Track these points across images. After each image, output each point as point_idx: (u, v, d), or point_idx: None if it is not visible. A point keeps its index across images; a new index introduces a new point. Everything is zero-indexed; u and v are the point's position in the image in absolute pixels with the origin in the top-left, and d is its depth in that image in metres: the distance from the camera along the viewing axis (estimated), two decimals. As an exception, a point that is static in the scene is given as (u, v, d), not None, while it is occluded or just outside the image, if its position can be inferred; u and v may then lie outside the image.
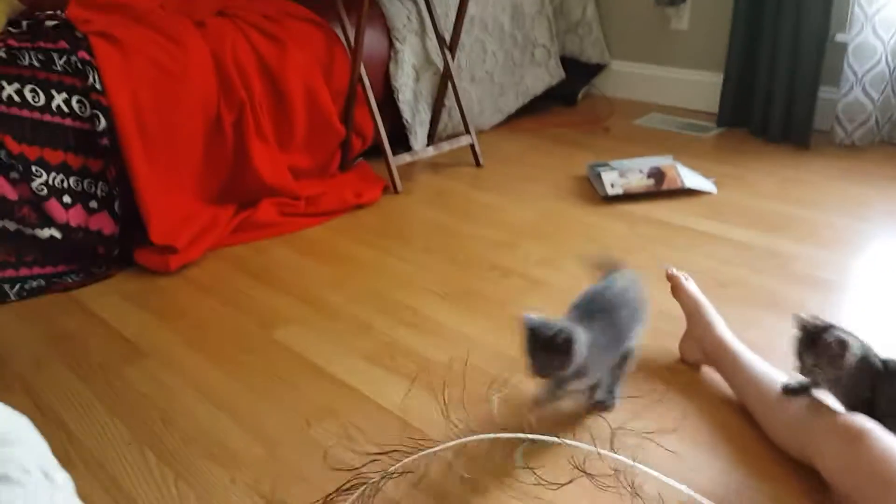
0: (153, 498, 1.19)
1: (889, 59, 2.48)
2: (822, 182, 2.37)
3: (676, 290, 1.49)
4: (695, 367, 1.46)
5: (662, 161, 2.39)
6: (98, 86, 1.88)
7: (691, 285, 1.49)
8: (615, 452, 1.21)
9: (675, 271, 1.50)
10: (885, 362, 1.12)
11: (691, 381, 1.42)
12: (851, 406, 1.11)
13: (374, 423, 1.34)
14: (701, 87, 3.12)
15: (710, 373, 1.43)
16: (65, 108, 1.86)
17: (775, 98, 2.69)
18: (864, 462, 1.01)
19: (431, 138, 2.79)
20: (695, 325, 1.42)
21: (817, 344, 1.10)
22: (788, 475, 1.16)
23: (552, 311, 1.69)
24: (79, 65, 1.88)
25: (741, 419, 1.30)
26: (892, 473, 0.97)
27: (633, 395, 1.38)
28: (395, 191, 2.42)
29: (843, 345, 1.08)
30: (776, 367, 1.30)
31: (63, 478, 0.55)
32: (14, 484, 0.48)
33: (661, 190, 2.29)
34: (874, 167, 2.46)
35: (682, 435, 1.27)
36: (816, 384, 1.16)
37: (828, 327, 1.11)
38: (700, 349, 1.41)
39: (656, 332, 1.59)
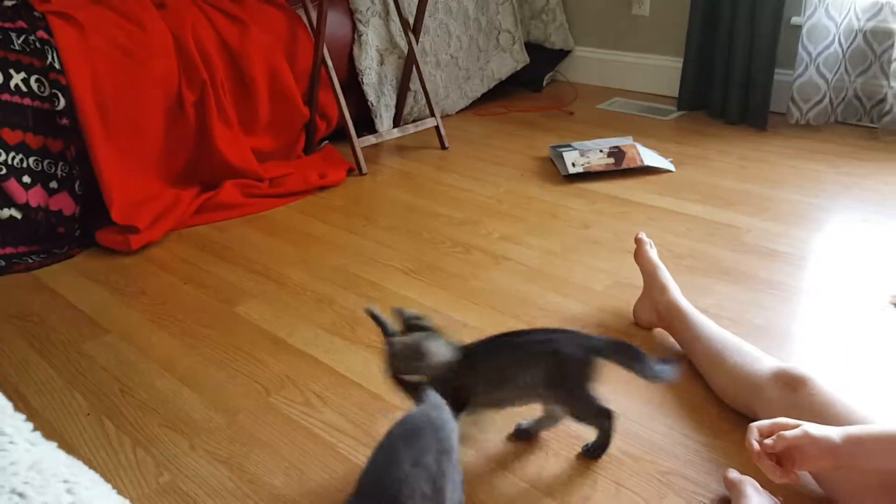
0: (111, 464, 1.20)
1: (842, 39, 2.54)
2: (777, 160, 2.42)
3: (639, 253, 1.54)
4: (647, 329, 1.49)
5: (622, 141, 2.43)
6: (57, 65, 1.88)
7: (653, 251, 1.53)
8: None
9: (643, 237, 1.56)
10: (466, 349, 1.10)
11: (643, 342, 1.46)
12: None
13: (334, 391, 1.36)
14: (662, 71, 3.17)
15: (661, 335, 1.47)
16: (23, 88, 1.85)
17: (733, 81, 2.74)
18: (805, 407, 1.05)
19: (397, 122, 2.80)
20: (651, 288, 1.47)
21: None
22: (734, 429, 1.20)
23: (516, 284, 1.73)
24: (37, 44, 1.87)
25: (690, 378, 1.34)
26: (832, 417, 1.02)
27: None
28: (360, 172, 2.43)
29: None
30: (729, 330, 1.34)
31: (40, 439, 0.55)
32: None
33: (620, 168, 2.33)
34: (828, 145, 2.52)
35: (631, 394, 1.31)
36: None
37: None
38: (654, 311, 1.45)
39: (612, 298, 1.63)
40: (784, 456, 0.91)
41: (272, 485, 1.14)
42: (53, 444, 0.53)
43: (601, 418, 1.13)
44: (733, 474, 1.06)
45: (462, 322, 1.57)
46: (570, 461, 1.16)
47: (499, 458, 1.18)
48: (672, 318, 1.39)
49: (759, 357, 1.21)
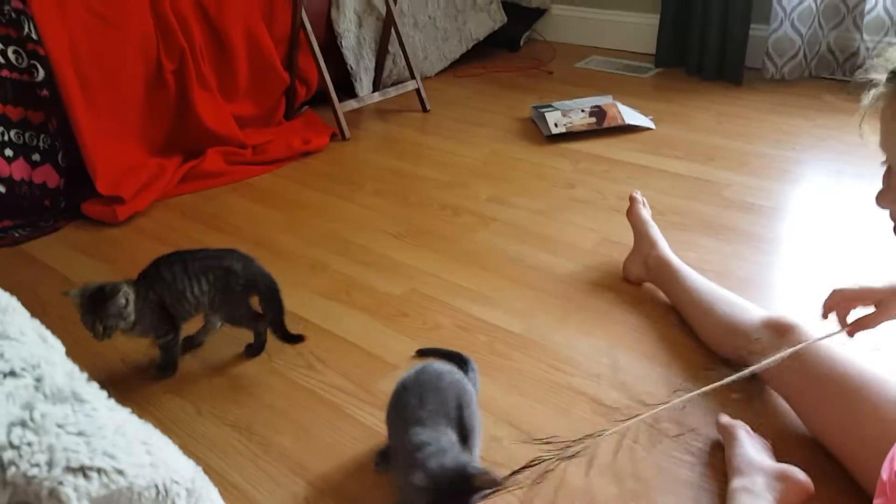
0: (121, 431, 1.22)
1: (815, -5, 2.58)
2: (754, 115, 2.47)
3: (631, 211, 1.58)
4: (637, 284, 1.54)
5: (603, 100, 2.45)
6: (34, 35, 1.84)
7: (646, 210, 1.58)
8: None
9: (638, 195, 1.60)
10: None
11: (633, 298, 1.51)
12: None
13: (335, 354, 1.39)
14: (639, 28, 3.18)
15: (651, 290, 1.52)
16: (1, 60, 1.82)
17: (709, 37, 2.77)
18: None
19: (377, 85, 2.80)
20: (641, 244, 1.52)
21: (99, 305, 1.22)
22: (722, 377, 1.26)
23: (506, 245, 1.76)
24: (13, 14, 1.83)
25: (679, 330, 1.39)
26: (818, 361, 1.07)
27: (582, 312, 1.46)
28: (343, 137, 2.43)
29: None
30: (714, 282, 1.39)
31: (55, 340, 0.59)
32: (14, 341, 0.52)
33: (602, 127, 2.36)
34: (803, 99, 2.57)
35: (624, 346, 1.36)
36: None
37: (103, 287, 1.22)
38: (644, 266, 1.50)
39: (600, 256, 1.67)
40: None
41: (281, 445, 1.18)
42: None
43: (255, 322, 1.36)
44: (725, 419, 1.11)
45: (456, 284, 1.60)
46: (566, 412, 1.21)
47: (490, 404, 1.22)
48: (661, 272, 1.44)
49: (746, 307, 1.26)
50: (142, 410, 1.25)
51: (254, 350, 1.39)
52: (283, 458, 1.15)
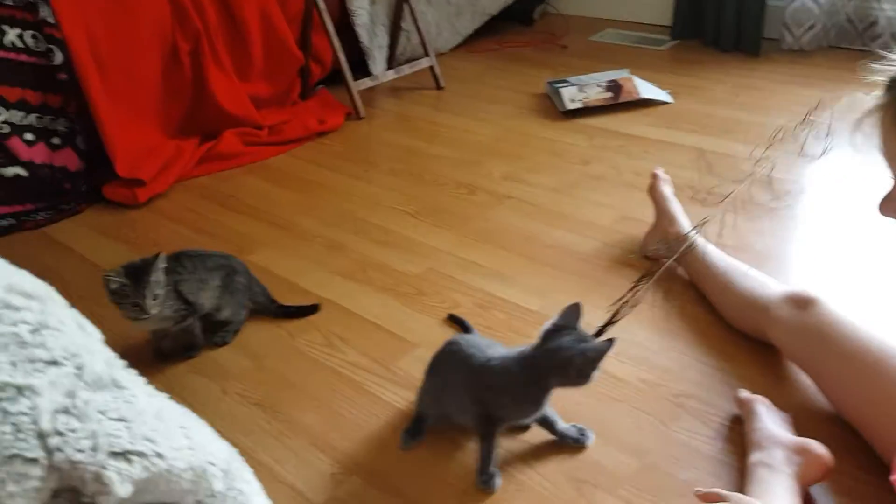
0: (149, 411, 1.25)
1: (835, -37, 2.53)
2: (772, 87, 2.44)
3: (653, 187, 1.58)
4: (656, 260, 1.54)
5: (619, 74, 2.44)
6: (50, 19, 1.85)
7: (668, 187, 1.58)
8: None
9: (660, 172, 1.60)
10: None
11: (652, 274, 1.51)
12: None
13: (355, 332, 1.41)
14: (654, 0, 3.14)
15: (670, 266, 1.52)
16: (18, 44, 1.83)
17: (726, 8, 2.73)
18: (813, 325, 1.11)
19: (390, 63, 2.79)
20: (662, 220, 1.52)
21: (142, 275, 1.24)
22: (742, 352, 1.27)
23: (522, 223, 1.77)
24: (28, -2, 1.84)
25: (698, 306, 1.39)
26: (839, 336, 1.08)
27: (600, 288, 1.47)
28: (358, 116, 2.44)
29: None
30: (732, 257, 1.39)
31: (93, 328, 0.61)
32: (55, 330, 0.53)
33: (618, 102, 2.35)
34: (822, 70, 2.54)
35: (643, 322, 1.37)
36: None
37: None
38: (664, 242, 1.50)
39: (618, 233, 1.67)
40: None
41: (305, 422, 1.20)
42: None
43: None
44: (744, 394, 1.12)
45: (472, 262, 1.61)
46: (585, 388, 1.22)
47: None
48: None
49: (766, 282, 1.26)
50: (168, 390, 1.28)
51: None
52: (308, 436, 1.17)
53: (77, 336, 0.55)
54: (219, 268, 1.39)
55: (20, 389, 0.47)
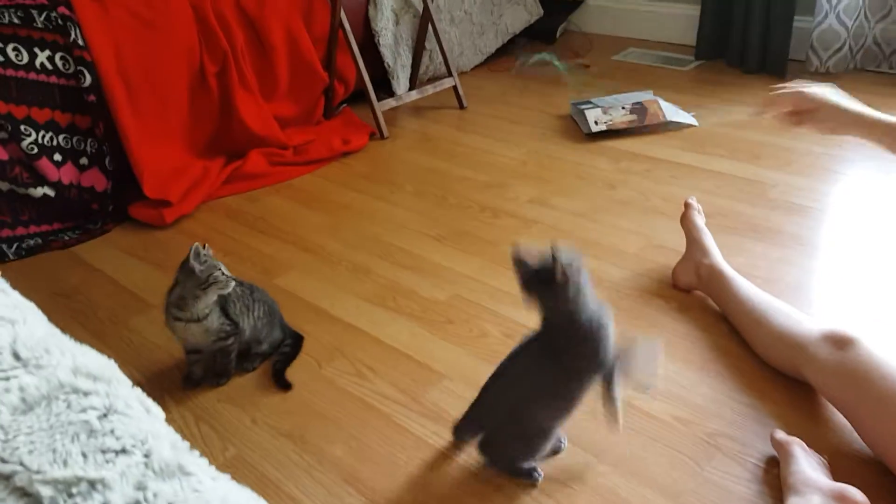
0: (178, 440, 1.25)
1: (863, -15, 2.52)
2: (798, 111, 2.42)
3: (685, 217, 1.58)
4: (686, 291, 1.53)
5: (644, 96, 2.43)
6: (80, 41, 1.87)
7: (700, 217, 1.57)
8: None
9: (693, 202, 1.60)
10: None
11: (682, 305, 1.50)
12: None
13: (383, 362, 1.40)
14: (678, 20, 3.14)
15: (701, 297, 1.51)
16: (48, 66, 1.85)
17: (751, 29, 2.72)
18: (851, 365, 1.09)
19: (413, 82, 2.79)
20: (693, 250, 1.51)
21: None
22: (776, 389, 1.25)
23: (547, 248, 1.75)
24: (59, 21, 1.86)
25: (730, 340, 1.38)
26: (881, 377, 1.06)
27: (629, 320, 1.46)
28: (382, 136, 2.44)
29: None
30: (761, 289, 1.37)
31: (157, 409, 0.61)
32: (122, 415, 0.53)
33: (643, 125, 2.34)
34: (849, 93, 2.51)
35: (674, 355, 1.35)
36: None
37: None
38: (695, 273, 1.49)
39: (646, 261, 1.66)
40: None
41: (334, 455, 1.19)
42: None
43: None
44: (780, 435, 1.10)
45: (499, 289, 1.60)
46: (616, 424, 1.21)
47: (550, 423, 1.22)
48: (713, 280, 1.43)
49: (801, 319, 1.24)
50: (199, 419, 1.29)
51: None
52: (337, 469, 1.16)
53: (143, 420, 0.54)
54: (262, 302, 1.41)
55: (92, 484, 0.47)
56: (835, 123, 1.34)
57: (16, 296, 0.74)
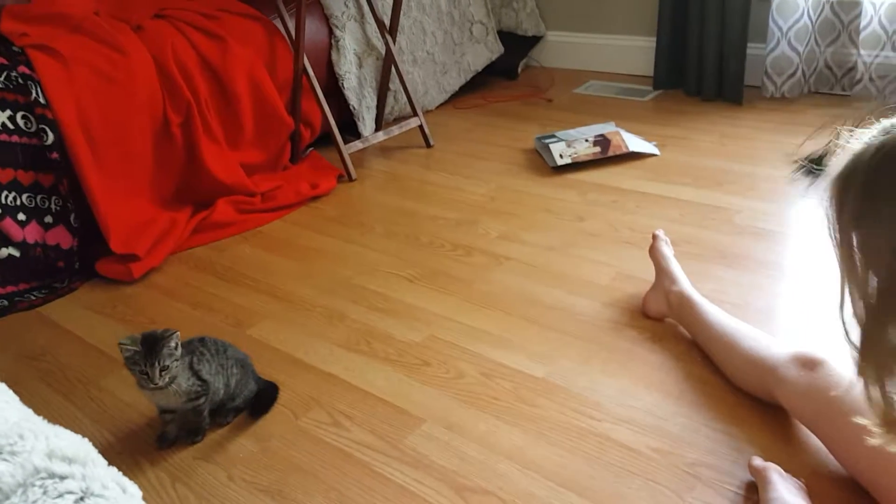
0: (153, 501, 1.22)
1: (811, 12, 2.59)
2: (756, 135, 2.48)
3: (653, 248, 1.60)
4: (658, 320, 1.54)
5: (606, 128, 2.47)
6: (42, 100, 1.86)
7: (668, 248, 1.60)
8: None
9: (661, 234, 1.63)
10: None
11: (655, 335, 1.51)
12: None
13: (360, 409, 1.39)
14: (635, 51, 3.21)
15: (672, 325, 1.52)
16: (10, 126, 1.83)
17: (707, 58, 2.79)
18: (822, 385, 1.11)
19: (379, 123, 2.81)
20: (662, 279, 1.53)
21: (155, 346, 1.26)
22: (751, 414, 1.26)
23: (521, 284, 1.76)
24: (20, 80, 1.85)
25: (703, 368, 1.39)
26: (852, 398, 1.07)
27: (603, 352, 1.46)
28: (350, 178, 2.45)
29: None
30: (730, 314, 1.39)
31: (133, 488, 0.59)
32: (99, 497, 0.52)
33: (607, 156, 2.37)
34: (804, 117, 2.58)
35: (650, 386, 1.36)
36: None
37: None
38: (665, 301, 1.50)
39: (617, 291, 1.67)
40: None
41: (314, 509, 1.17)
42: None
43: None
44: (757, 461, 1.11)
45: (475, 328, 1.60)
46: (598, 460, 1.21)
47: (520, 455, 1.22)
48: (683, 307, 1.45)
49: (771, 342, 1.26)
50: (175, 480, 1.27)
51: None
52: (318, 523, 1.15)
53: (120, 500, 0.53)
54: (237, 362, 1.39)
55: None
56: None
57: None
